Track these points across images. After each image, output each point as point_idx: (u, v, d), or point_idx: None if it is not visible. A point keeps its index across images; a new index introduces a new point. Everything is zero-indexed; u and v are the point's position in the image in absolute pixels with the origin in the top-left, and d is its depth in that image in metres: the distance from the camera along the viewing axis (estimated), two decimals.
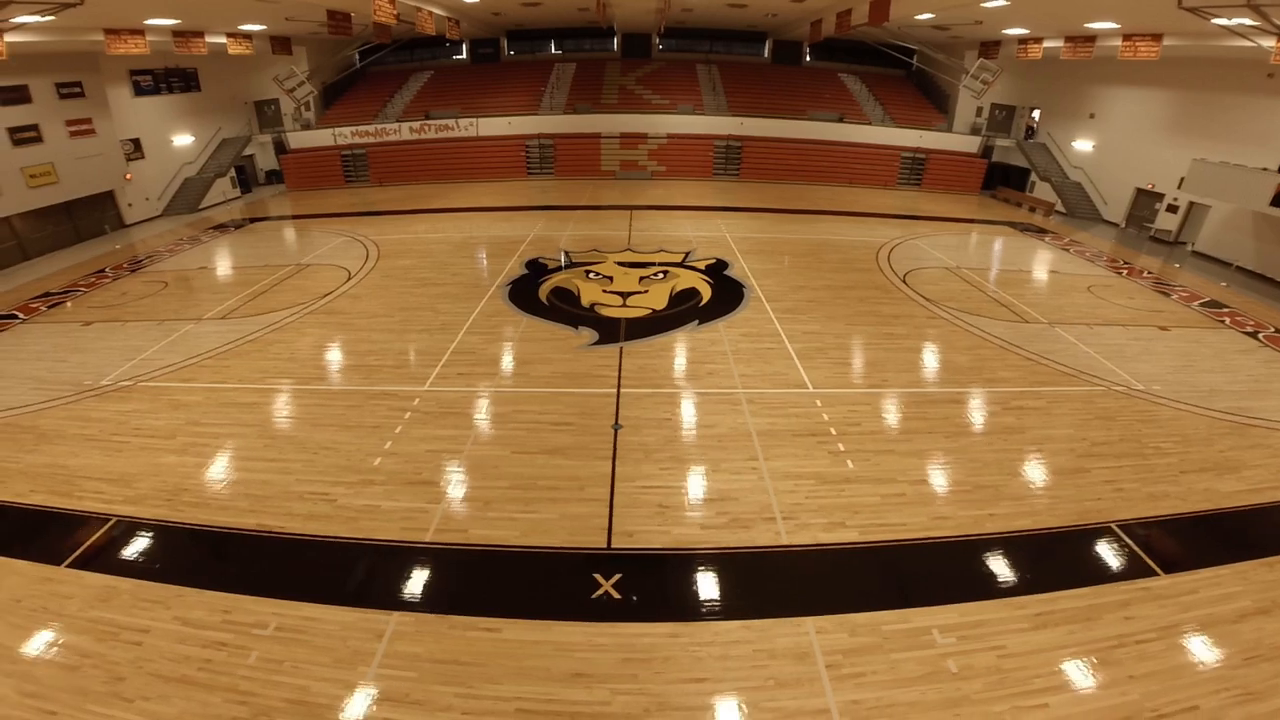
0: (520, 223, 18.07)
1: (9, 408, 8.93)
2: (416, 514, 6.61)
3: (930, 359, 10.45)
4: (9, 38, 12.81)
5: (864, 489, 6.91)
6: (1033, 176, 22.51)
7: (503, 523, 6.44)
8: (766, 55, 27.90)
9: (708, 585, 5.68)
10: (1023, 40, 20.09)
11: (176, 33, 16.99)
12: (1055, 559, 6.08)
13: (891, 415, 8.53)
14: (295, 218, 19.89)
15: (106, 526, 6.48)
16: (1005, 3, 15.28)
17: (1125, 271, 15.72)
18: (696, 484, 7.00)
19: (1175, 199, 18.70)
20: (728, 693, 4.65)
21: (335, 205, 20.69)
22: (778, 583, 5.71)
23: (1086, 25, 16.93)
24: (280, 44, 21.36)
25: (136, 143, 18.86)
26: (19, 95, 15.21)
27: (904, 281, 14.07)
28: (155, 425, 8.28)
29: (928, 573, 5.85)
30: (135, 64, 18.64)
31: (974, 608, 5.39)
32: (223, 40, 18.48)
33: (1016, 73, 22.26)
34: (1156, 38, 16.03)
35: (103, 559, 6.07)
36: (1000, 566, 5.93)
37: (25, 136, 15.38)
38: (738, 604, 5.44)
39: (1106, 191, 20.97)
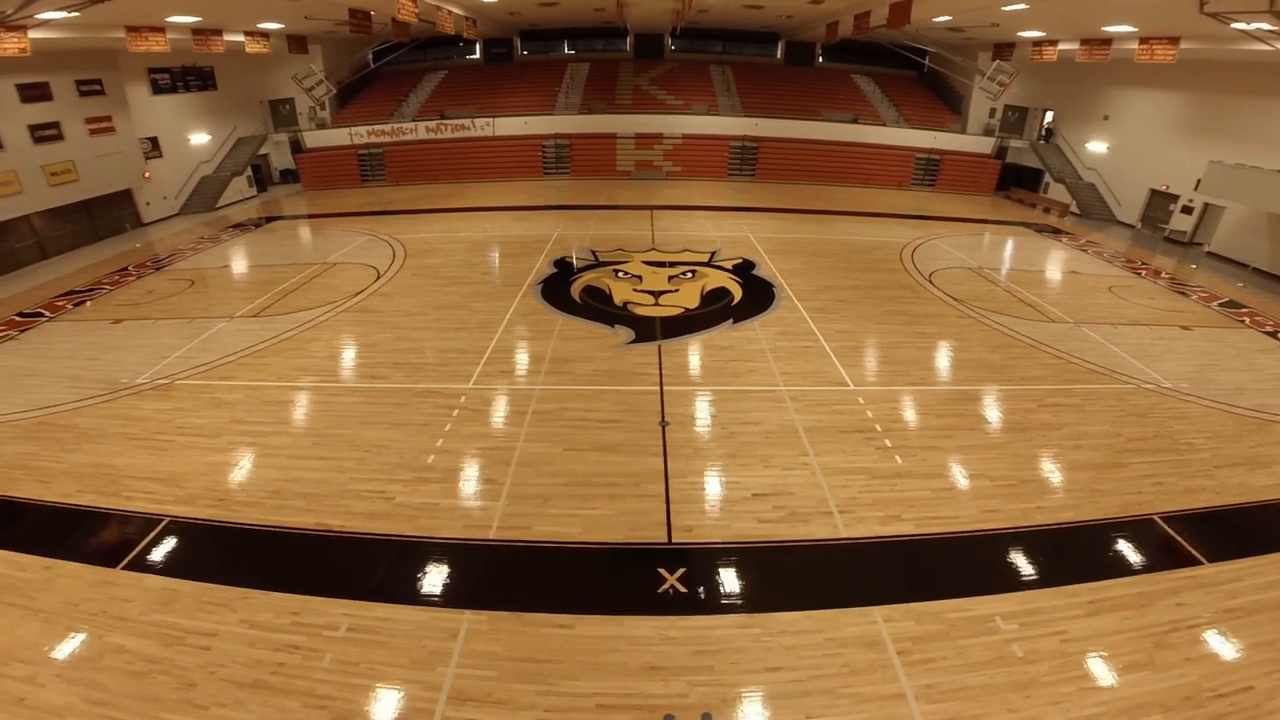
0: (542, 222, 18.05)
1: (44, 406, 8.85)
2: (477, 511, 6.60)
3: (964, 357, 10.50)
4: (34, 34, 12.74)
5: (914, 483, 7.02)
6: (1046, 178, 22.62)
7: (564, 519, 6.46)
8: (779, 56, 27.96)
9: (771, 578, 5.77)
10: (1038, 43, 20.18)
11: (196, 31, 16.93)
12: (1102, 549, 6.23)
13: (932, 412, 8.63)
14: (315, 217, 19.83)
15: (160, 527, 6.40)
16: (1024, 6, 15.36)
17: (1144, 272, 15.80)
18: (750, 479, 7.04)
19: (1190, 200, 18.80)
20: (804, 680, 4.71)
21: (353, 204, 20.63)
22: (840, 574, 5.84)
23: (1104, 28, 17.03)
24: (296, 43, 21.31)
25: (154, 141, 18.77)
26: (40, 93, 15.11)
27: (930, 281, 14.10)
28: (199, 424, 8.21)
29: (983, 563, 5.99)
30: (153, 62, 18.55)
31: (1030, 596, 5.54)
32: (240, 39, 18.43)
33: (1029, 74, 22.35)
34: (1174, 41, 16.11)
35: (159, 561, 6.00)
36: (1051, 557, 6.08)
37: (46, 134, 15.28)
38: (803, 595, 5.53)
39: (1120, 193, 21.07)
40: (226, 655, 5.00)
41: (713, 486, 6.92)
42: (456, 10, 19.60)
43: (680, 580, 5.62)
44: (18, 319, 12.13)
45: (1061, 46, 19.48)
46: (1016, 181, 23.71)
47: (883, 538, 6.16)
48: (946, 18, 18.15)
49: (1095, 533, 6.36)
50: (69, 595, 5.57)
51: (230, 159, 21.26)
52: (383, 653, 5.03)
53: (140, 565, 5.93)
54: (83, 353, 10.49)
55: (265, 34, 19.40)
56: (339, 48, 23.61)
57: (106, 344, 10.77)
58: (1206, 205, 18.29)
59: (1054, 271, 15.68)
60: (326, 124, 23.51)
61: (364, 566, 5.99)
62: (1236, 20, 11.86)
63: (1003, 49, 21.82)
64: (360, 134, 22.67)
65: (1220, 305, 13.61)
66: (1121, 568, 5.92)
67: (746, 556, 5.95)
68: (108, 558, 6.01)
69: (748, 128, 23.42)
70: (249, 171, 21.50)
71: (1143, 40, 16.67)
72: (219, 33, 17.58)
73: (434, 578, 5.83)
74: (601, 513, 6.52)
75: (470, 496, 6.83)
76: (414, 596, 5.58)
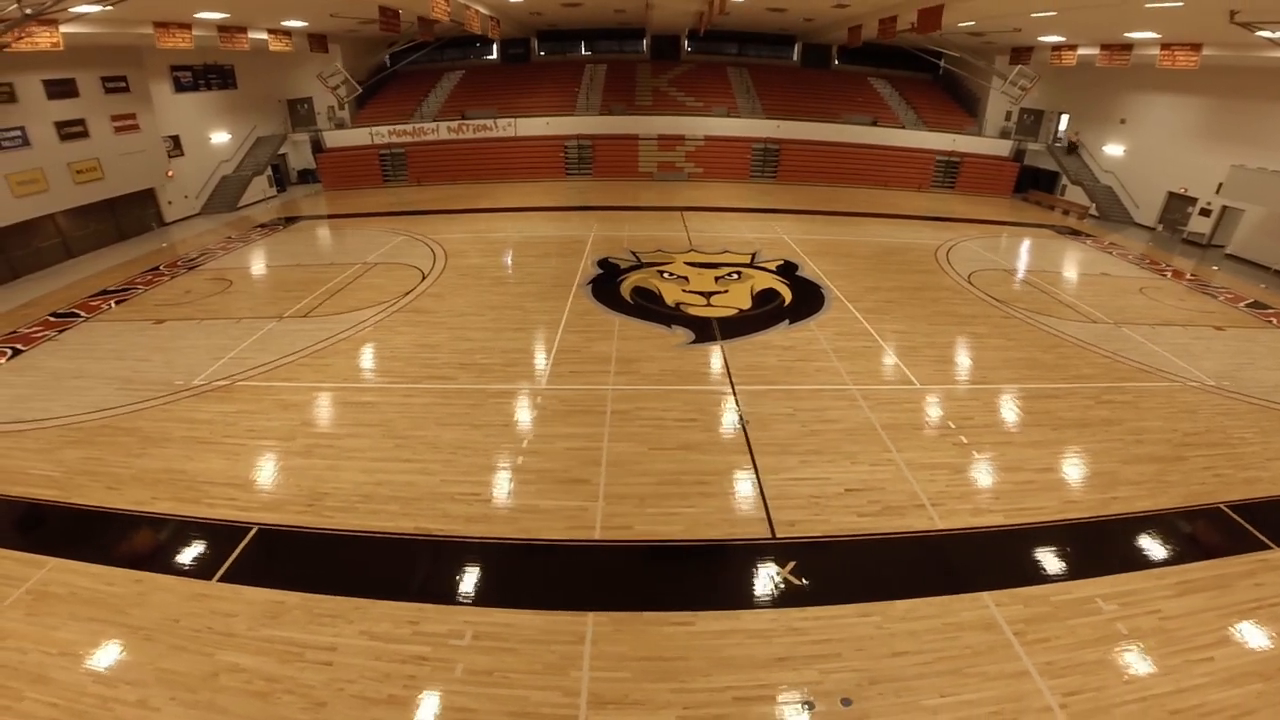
0: (575, 222, 17.93)
1: (100, 409, 8.60)
2: (577, 512, 6.51)
3: (1017, 356, 10.58)
4: (65, 28, 12.47)
5: (995, 477, 7.24)
6: (1063, 180, 22.88)
7: (664, 518, 6.45)
8: (795, 59, 28.09)
9: (879, 568, 5.92)
10: (1057, 47, 20.39)
11: (222, 28, 16.68)
12: (1179, 535, 6.51)
13: (998, 409, 8.82)
14: (341, 217, 19.58)
15: (250, 536, 6.20)
16: (1053, 13, 15.53)
17: (1169, 274, 16.00)
18: (840, 475, 7.13)
19: (1208, 203, 19.08)
20: (932, 662, 4.87)
21: (378, 204, 20.38)
22: (943, 563, 5.98)
23: (1126, 34, 17.23)
24: (317, 42, 21.07)
25: (176, 140, 18.44)
26: (67, 89, 14.80)
27: (970, 282, 14.17)
28: (269, 426, 8.01)
29: (1073, 550, 6.21)
30: (175, 60, 18.24)
31: (1122, 579, 5.82)
32: (264, 36, 18.19)
33: (1045, 78, 22.53)
34: (1196, 48, 16.33)
35: (256, 571, 5.80)
36: (1134, 543, 6.37)
37: (72, 131, 14.96)
38: (913, 584, 5.66)
39: (1138, 195, 21.34)
40: (352, 670, 4.82)
41: (805, 483, 6.99)
42: (483, 10, 19.49)
43: (792, 573, 5.70)
44: (52, 319, 11.83)
45: (1081, 51, 19.73)
46: (1033, 184, 23.96)
47: (977, 528, 6.35)
48: (969, 23, 18.31)
49: (1169, 520, 6.65)
50: (166, 610, 5.35)
51: (250, 158, 20.94)
52: (514, 660, 4.91)
53: (237, 576, 5.72)
54: (129, 354, 10.23)
55: (288, 32, 19.18)
56: (358, 47, 23.39)
57: (153, 345, 10.52)
58: (1225, 208, 18.57)
59: (1085, 273, 15.83)
60: (346, 124, 23.24)
61: (474, 571, 5.86)
62: (1264, 29, 12.07)
63: (1020, 53, 22.03)
64: (381, 134, 22.43)
65: (1246, 306, 13.81)
66: (1199, 552, 6.23)
67: (851, 549, 6.07)
68: (200, 569, 5.80)
69: (770, 130, 23.46)
70: (269, 171, 21.17)
71: (1164, 46, 16.91)
72: (244, 30, 17.35)
73: (549, 580, 5.73)
74: (700, 510, 6.55)
75: (567, 497, 6.73)
76: (532, 600, 5.46)
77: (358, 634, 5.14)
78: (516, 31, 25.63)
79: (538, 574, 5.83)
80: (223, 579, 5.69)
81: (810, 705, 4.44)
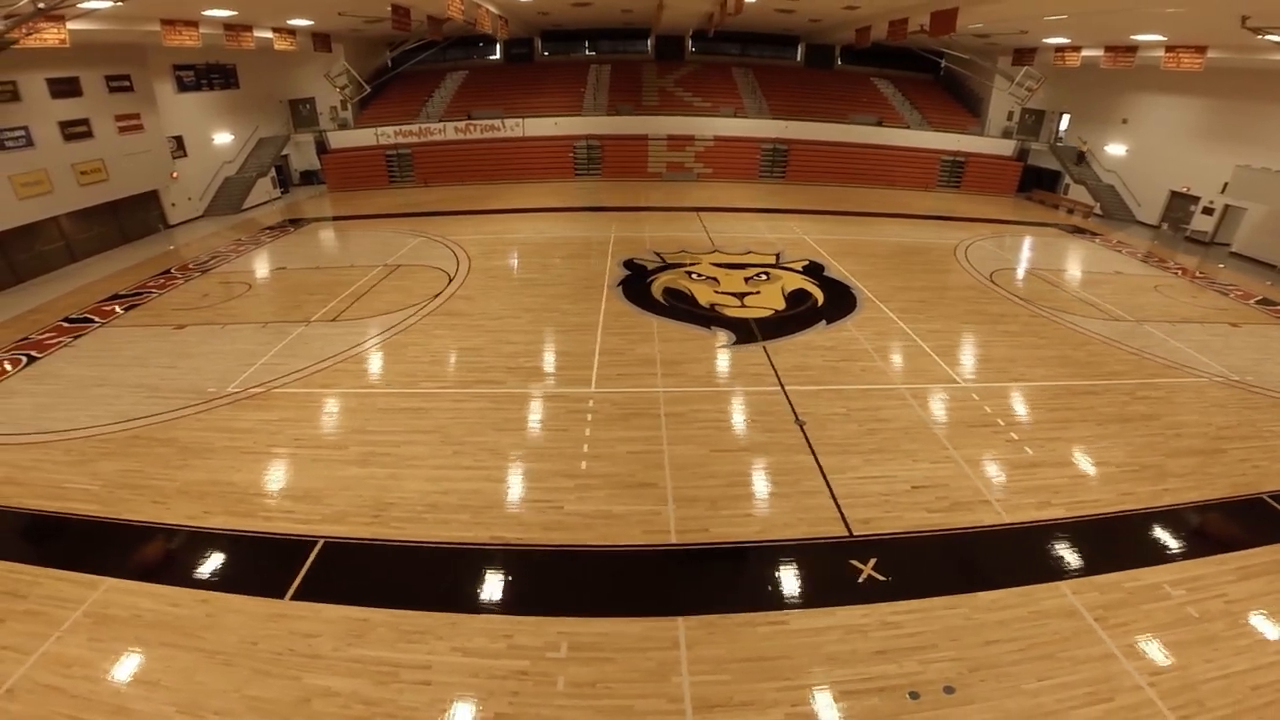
0: (593, 223, 17.76)
1: (130, 419, 8.28)
2: (650, 516, 6.41)
3: (1050, 354, 10.66)
4: (71, 25, 12.06)
5: (1050, 472, 7.34)
6: (1066, 179, 23.25)
7: (739, 520, 6.41)
8: (799, 59, 28.22)
9: (957, 562, 6.01)
10: (1060, 49, 20.69)
11: (228, 26, 16.28)
12: (1230, 524, 6.72)
13: (1042, 406, 8.91)
14: (352, 218, 19.21)
15: (316, 550, 5.96)
16: (1064, 16, 15.75)
17: (1179, 272, 16.30)
18: (904, 473, 7.18)
19: (1211, 202, 19.49)
20: (1024, 649, 5.00)
21: (388, 205, 20.02)
22: (1016, 555, 6.11)
23: (1132, 37, 17.53)
24: (321, 41, 20.71)
25: (179, 140, 17.93)
26: (71, 88, 14.32)
27: (992, 281, 14.29)
28: (316, 435, 7.76)
29: (1135, 539, 6.43)
30: (178, 59, 17.75)
31: (1185, 566, 6.00)
32: (269, 35, 17.80)
33: (1047, 78, 22.88)
34: (1201, 50, 16.67)
35: (330, 587, 5.56)
36: (1190, 532, 6.58)
37: (76, 131, 14.47)
38: (992, 576, 5.78)
39: (1140, 194, 21.74)
40: (452, 689, 4.63)
41: (871, 481, 7.02)
42: (493, 9, 19.28)
43: (875, 569, 5.75)
44: (65, 325, 11.40)
45: (1085, 53, 20.05)
46: (1035, 183, 24.32)
47: (1042, 521, 6.49)
48: (980, 25, 18.50)
49: (1219, 510, 6.85)
50: (242, 632, 5.10)
51: (254, 159, 20.46)
52: (613, 669, 4.80)
53: (310, 593, 5.48)
54: (152, 360, 9.88)
55: (293, 31, 18.80)
56: (360, 47, 23.01)
57: (177, 351, 10.17)
58: (1227, 207, 18.98)
59: (1100, 271, 16.04)
60: (348, 124, 22.83)
61: (557, 580, 5.71)
62: (1273, 34, 12.34)
63: (1024, 54, 22.34)
64: (387, 134, 22.06)
65: (1256, 303, 14.10)
66: (1252, 539, 6.42)
67: (927, 544, 6.14)
68: (270, 587, 5.53)
69: (778, 130, 23.50)
70: (273, 172, 20.70)
71: (1169, 49, 17.24)
72: (249, 29, 16.97)
73: (634, 587, 5.62)
74: (774, 511, 6.53)
75: (637, 502, 6.60)
76: (620, 607, 5.36)
77: (451, 650, 4.95)
78: (521, 31, 25.41)
79: (621, 580, 5.72)
80: (296, 597, 5.44)
81: (915, 695, 4.53)
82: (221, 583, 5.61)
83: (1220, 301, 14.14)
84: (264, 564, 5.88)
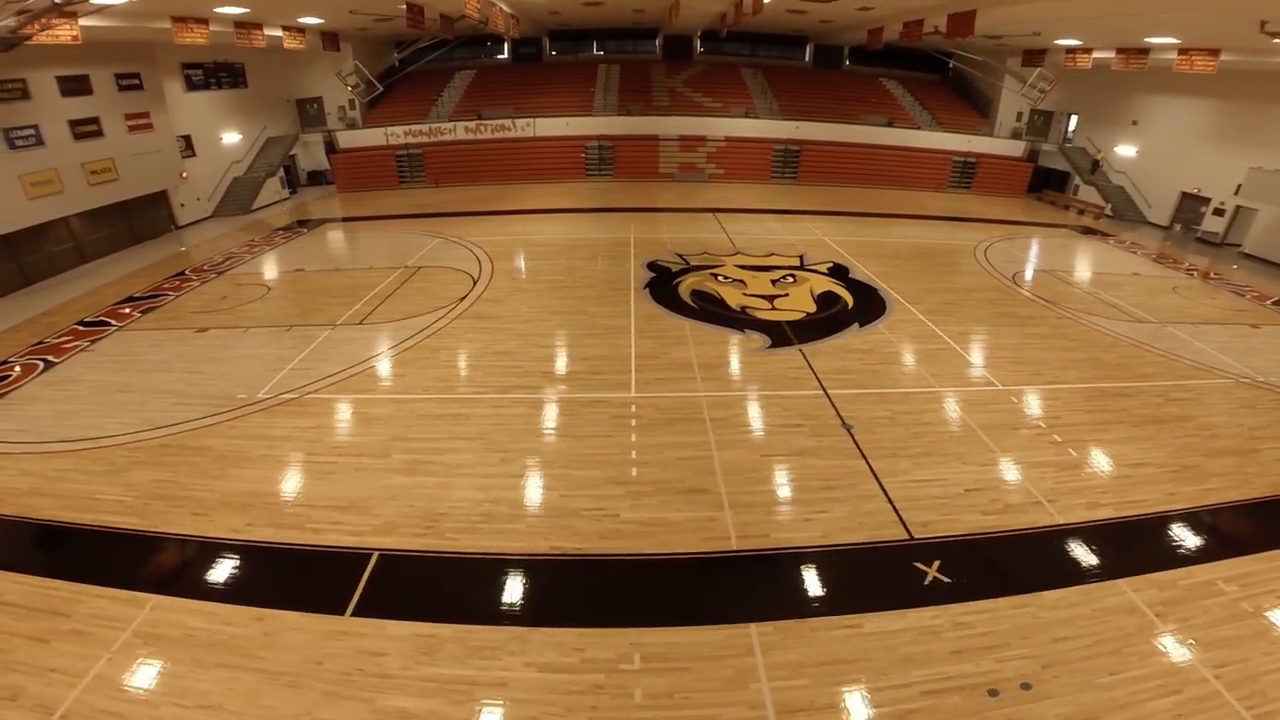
0: (611, 224, 17.61)
1: (158, 426, 8.05)
2: (707, 523, 6.32)
3: (1081, 357, 10.65)
4: (83, 21, 11.79)
5: (1096, 473, 7.40)
6: (1076, 180, 23.33)
7: (799, 524, 6.37)
8: (807, 59, 28.18)
9: (1017, 562, 6.06)
10: (1071, 50, 20.71)
11: (238, 23, 16.00)
12: (1274, 522, 6.80)
13: (1080, 408, 8.91)
14: (365, 219, 18.96)
15: (372, 563, 5.77)
16: (1084, 18, 15.71)
17: (1195, 273, 16.36)
18: (955, 476, 7.17)
19: (1222, 203, 19.59)
20: (1092, 645, 5.08)
21: (400, 206, 19.79)
22: (1072, 555, 6.14)
23: (1146, 39, 17.56)
24: (329, 40, 20.42)
25: (188, 140, 17.62)
26: (81, 86, 14.02)
27: (1015, 283, 14.28)
28: (356, 442, 7.58)
29: (1184, 537, 6.48)
30: (186, 57, 17.44)
31: (1235, 563, 6.05)
32: (279, 33, 17.53)
33: (1059, 80, 22.96)
34: (1214, 53, 16.72)
35: (390, 602, 5.39)
36: (1236, 529, 6.67)
37: (86, 130, 14.16)
38: (1053, 575, 5.82)
39: (1150, 195, 21.83)
40: (532, 707, 4.50)
41: (925, 484, 7.00)
42: (506, 8, 19.09)
43: (940, 571, 5.76)
44: (81, 328, 11.13)
45: (1096, 54, 20.08)
46: (1045, 183, 24.39)
47: (1093, 521, 6.54)
48: (1002, 29, 18.48)
49: (1262, 509, 6.93)
50: (305, 652, 4.90)
51: (262, 159, 20.16)
52: (690, 679, 4.72)
53: (371, 608, 5.29)
54: (176, 365, 9.64)
55: (302, 29, 18.52)
56: (368, 47, 22.72)
57: (200, 355, 9.93)
58: (1238, 208, 19.08)
59: (1118, 273, 16.07)
60: (357, 124, 22.56)
61: (621, 589, 5.59)
62: None
63: (1033, 55, 22.34)
64: (397, 134, 21.81)
65: (1273, 304, 14.17)
66: None
67: (987, 545, 6.17)
68: (328, 602, 5.33)
69: (789, 130, 23.44)
70: (281, 173, 20.40)
71: (1182, 51, 17.29)
72: (259, 26, 16.69)
73: (701, 594, 5.53)
74: (833, 515, 6.48)
75: (693, 508, 6.50)
76: (689, 616, 5.26)
77: (525, 666, 4.81)
78: (530, 30, 25.22)
79: (686, 588, 5.61)
80: (356, 613, 5.26)
81: (995, 693, 4.59)
82: (276, 599, 5.40)
83: (1237, 303, 14.19)
84: (318, 579, 5.69)
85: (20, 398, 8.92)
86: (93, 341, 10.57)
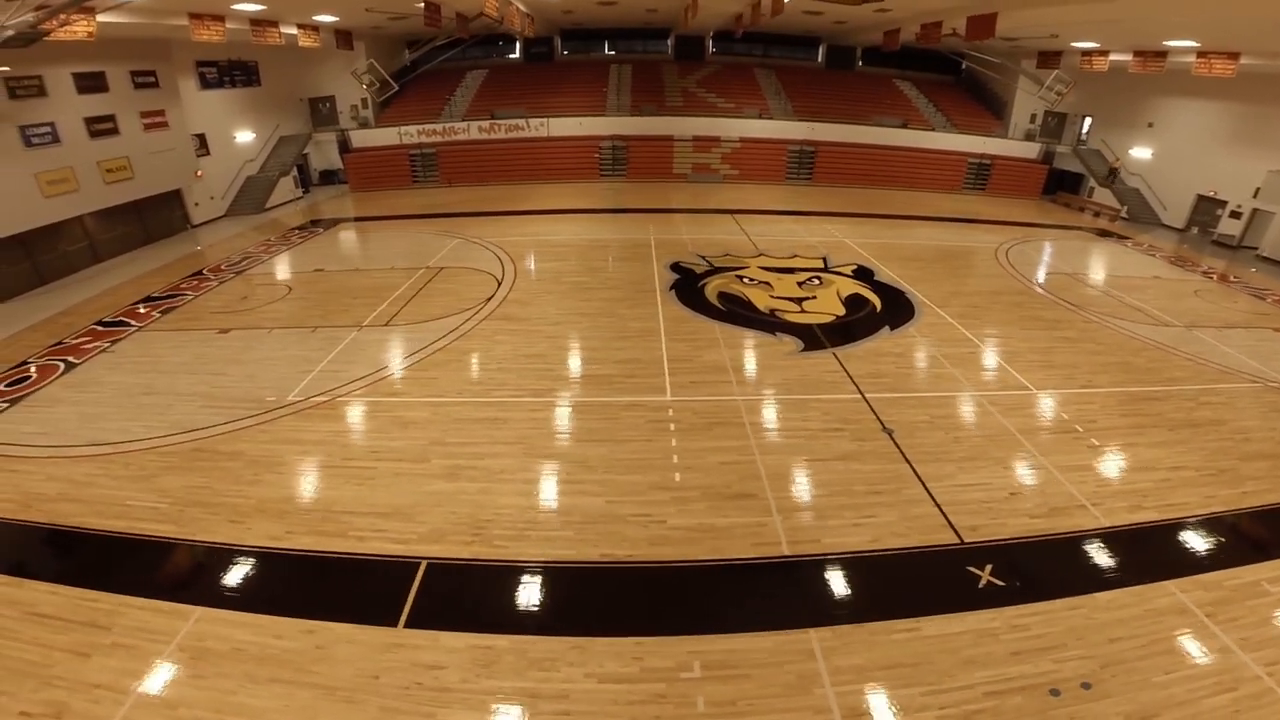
0: (630, 225, 17.47)
1: (187, 430, 7.90)
2: (757, 528, 6.23)
3: (1112, 361, 10.58)
4: (101, 17, 11.65)
5: (1135, 476, 7.40)
6: (1090, 182, 23.26)
7: (848, 529, 6.30)
8: (820, 60, 28.09)
9: (1067, 564, 6.06)
10: (1087, 53, 20.62)
11: (254, 21, 15.86)
12: None
13: (1115, 411, 8.90)
14: (380, 219, 18.80)
15: (421, 572, 5.62)
16: (1112, 21, 15.59)
17: (1215, 276, 16.27)
18: (999, 479, 7.16)
19: (1239, 206, 19.52)
20: (1147, 644, 5.13)
21: (414, 206, 19.64)
22: (1120, 557, 6.18)
23: (1165, 42, 17.47)
24: (343, 38, 20.31)
25: (201, 138, 17.45)
26: (97, 83, 13.86)
27: (1039, 286, 14.18)
28: (394, 447, 7.42)
29: (1227, 539, 6.50)
30: (201, 55, 17.28)
31: (1278, 564, 6.06)
32: (294, 31, 17.39)
33: (1076, 82, 22.89)
34: (1234, 56, 16.64)
35: (443, 613, 5.25)
36: (1276, 531, 6.63)
37: (102, 128, 13.99)
38: (1102, 577, 5.87)
39: (1165, 197, 21.75)
40: (595, 718, 4.38)
41: (970, 488, 6.97)
42: (522, 7, 18.98)
43: (993, 575, 5.76)
44: (99, 328, 10.97)
45: (1113, 57, 20.00)
46: (1058, 185, 24.32)
47: (1137, 524, 6.56)
48: (1024, 31, 18.38)
49: None
50: (359, 665, 4.75)
51: (275, 158, 20.00)
52: (752, 686, 4.65)
53: (424, 620, 5.15)
54: (201, 367, 9.49)
55: (316, 27, 18.39)
56: (380, 45, 22.59)
57: (225, 357, 9.78)
58: (1255, 211, 19.01)
59: (1138, 276, 15.97)
60: (369, 123, 22.41)
61: (674, 596, 5.47)
62: None
63: (1048, 57, 22.26)
64: (410, 133, 21.66)
65: None
66: None
67: (1036, 548, 6.18)
68: (379, 614, 5.18)
69: (804, 131, 23.34)
70: (294, 172, 20.24)
71: (1201, 54, 17.21)
72: (275, 24, 16.55)
73: (757, 600, 5.47)
74: (883, 520, 6.42)
75: (740, 514, 6.40)
76: (745, 622, 5.19)
77: (585, 677, 4.69)
78: (543, 29, 25.10)
79: (740, 594, 5.53)
80: (409, 624, 5.12)
81: (1056, 692, 4.64)
82: (326, 610, 5.25)
83: (1259, 306, 14.11)
84: (367, 589, 5.54)
85: (42, 400, 8.76)
86: (113, 342, 10.41)
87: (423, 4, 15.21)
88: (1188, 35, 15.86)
